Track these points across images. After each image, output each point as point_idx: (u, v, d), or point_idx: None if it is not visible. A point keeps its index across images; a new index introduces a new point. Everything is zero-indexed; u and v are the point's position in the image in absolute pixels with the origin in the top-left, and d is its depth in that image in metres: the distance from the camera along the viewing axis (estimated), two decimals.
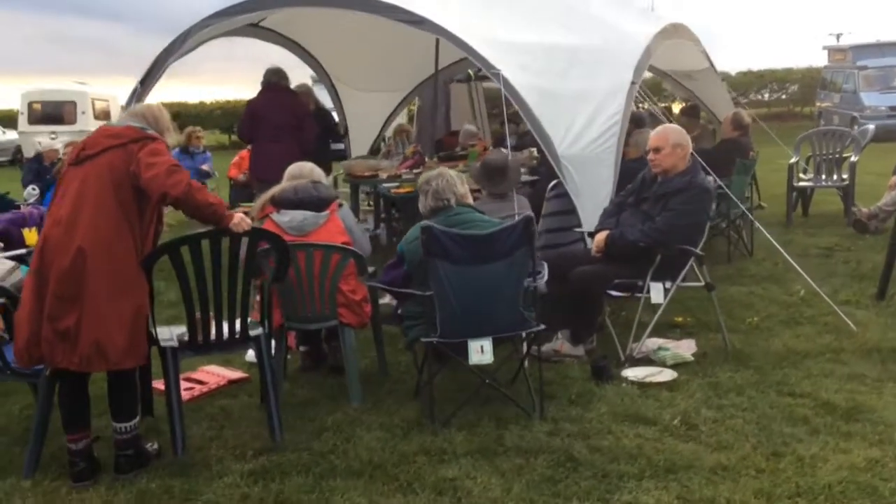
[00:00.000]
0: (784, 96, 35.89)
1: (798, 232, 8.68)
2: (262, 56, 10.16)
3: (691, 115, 10.25)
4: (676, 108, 13.93)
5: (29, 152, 21.82)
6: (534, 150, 7.43)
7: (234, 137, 29.65)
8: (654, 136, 5.02)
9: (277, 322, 4.38)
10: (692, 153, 5.06)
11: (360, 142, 11.50)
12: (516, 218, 5.03)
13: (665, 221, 4.77)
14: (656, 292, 4.81)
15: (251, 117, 8.13)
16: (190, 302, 3.75)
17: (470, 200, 4.28)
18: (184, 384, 4.69)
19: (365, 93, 11.18)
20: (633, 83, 6.31)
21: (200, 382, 4.77)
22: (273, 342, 4.39)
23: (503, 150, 6.27)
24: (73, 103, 27.00)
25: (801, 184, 9.41)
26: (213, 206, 3.60)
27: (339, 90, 11.26)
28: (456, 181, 4.16)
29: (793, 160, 9.35)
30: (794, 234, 8.51)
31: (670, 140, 4.95)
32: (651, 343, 4.94)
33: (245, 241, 3.68)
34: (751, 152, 8.07)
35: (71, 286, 3.46)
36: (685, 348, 4.95)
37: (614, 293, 4.96)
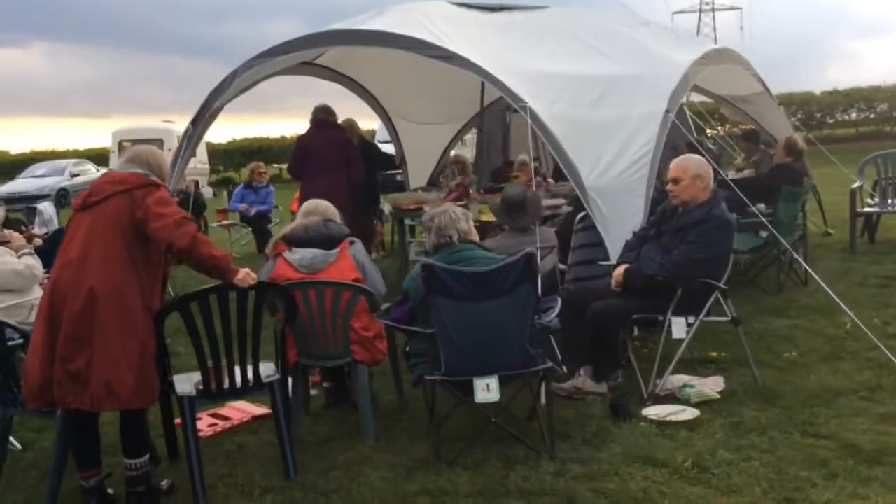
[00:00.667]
0: (872, 115, 34.67)
1: (862, 259, 8.33)
2: (343, 91, 10.45)
3: (751, 139, 10.00)
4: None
5: None
6: None
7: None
8: (674, 166, 4.91)
9: (293, 360, 4.44)
10: (730, 181, 4.90)
11: (419, 174, 11.66)
12: (537, 252, 5.08)
13: (682, 254, 4.65)
14: (678, 327, 4.68)
15: (301, 153, 8.35)
16: (202, 353, 3.84)
17: (475, 237, 4.26)
18: (208, 420, 4.84)
19: (421, 125, 11.33)
20: (667, 111, 6.20)
21: (225, 418, 4.86)
22: (291, 380, 4.47)
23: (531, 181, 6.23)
24: (161, 141, 28.14)
25: (866, 209, 9.02)
26: (216, 259, 3.69)
27: (396, 123, 11.45)
28: (460, 218, 4.16)
29: (856, 184, 8.98)
30: (856, 262, 8.18)
31: (689, 171, 4.84)
32: (676, 380, 4.80)
33: None
34: (805, 178, 7.81)
35: (83, 327, 3.58)
36: (711, 385, 4.78)
37: (636, 329, 4.85)
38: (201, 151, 31.52)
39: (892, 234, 9.31)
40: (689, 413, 4.44)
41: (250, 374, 3.94)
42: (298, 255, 4.34)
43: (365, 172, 8.64)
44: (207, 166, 30.34)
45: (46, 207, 11.70)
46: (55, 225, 11.08)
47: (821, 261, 8.35)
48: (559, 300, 4.60)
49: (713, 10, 70.48)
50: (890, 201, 9.06)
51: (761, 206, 7.21)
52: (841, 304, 5.33)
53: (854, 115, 34.24)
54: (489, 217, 7.43)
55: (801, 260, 6.07)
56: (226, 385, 3.91)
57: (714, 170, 8.88)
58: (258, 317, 3.86)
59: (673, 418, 4.39)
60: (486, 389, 3.98)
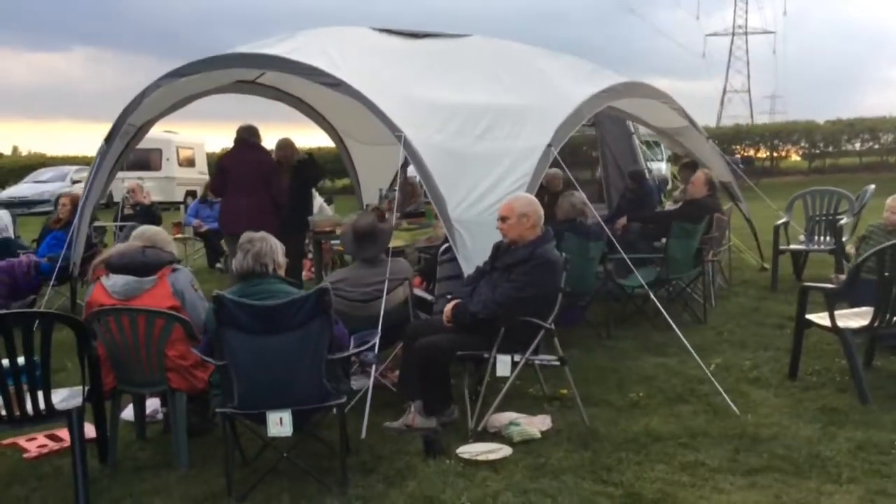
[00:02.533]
0: (877, 146, 34.40)
1: (779, 298, 8.25)
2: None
3: (689, 170, 9.97)
4: None
5: (118, 197, 23.13)
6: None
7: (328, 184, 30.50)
8: (503, 204, 4.94)
9: (110, 385, 4.47)
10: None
11: (372, 194, 11.69)
12: (386, 284, 5.10)
13: (503, 293, 4.66)
14: (502, 365, 4.66)
15: (220, 173, 8.43)
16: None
17: (282, 271, 4.27)
18: (40, 441, 4.88)
19: (370, 146, 11.36)
20: (549, 146, 6.21)
21: (59, 439, 4.90)
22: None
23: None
24: (160, 151, 28.48)
25: (787, 247, 8.93)
26: None
27: (347, 143, 11.50)
28: (277, 249, 4.18)
29: (781, 221, 8.91)
30: (770, 300, 8.11)
31: (516, 210, 4.85)
32: (504, 417, 4.78)
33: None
34: (716, 213, 7.76)
35: None
36: (538, 423, 4.76)
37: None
38: (201, 162, 31.91)
39: (822, 272, 9.20)
40: (503, 452, 4.42)
41: (42, 403, 3.96)
42: (111, 280, 4.38)
43: (290, 192, 8.73)
44: (207, 177, 30.61)
45: (2, 216, 11.85)
46: (9, 233, 11.24)
47: (736, 297, 8.31)
48: (378, 333, 4.61)
49: (746, 33, 70.41)
50: (818, 238, 8.97)
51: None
52: (688, 345, 5.30)
53: (858, 146, 33.99)
54: (395, 243, 7.48)
55: (654, 297, 6.00)
56: (16, 413, 3.94)
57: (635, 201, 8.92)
58: (46, 344, 3.89)
59: (483, 458, 4.37)
60: (280, 423, 3.99)
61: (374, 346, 4.52)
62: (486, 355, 4.66)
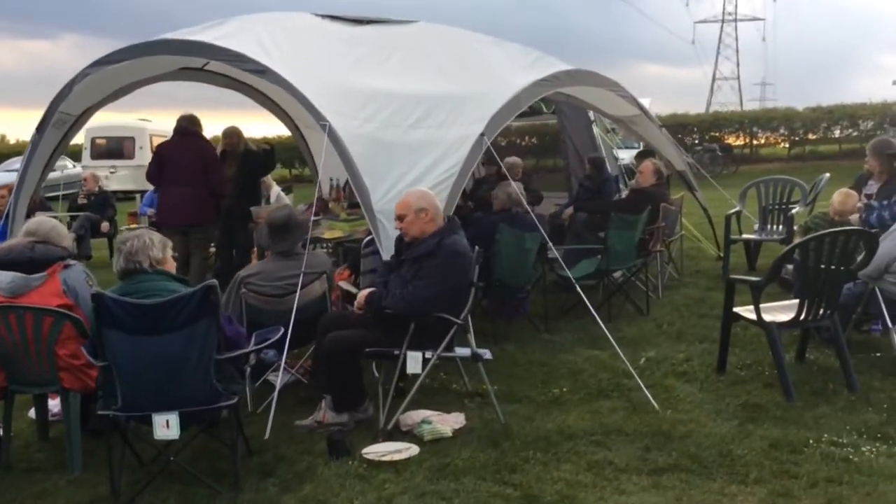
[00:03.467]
0: (856, 133, 34.28)
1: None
2: None
3: (645, 159, 9.83)
4: None
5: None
6: None
7: (294, 171, 30.18)
8: (398, 203, 4.81)
9: (1, 385, 4.31)
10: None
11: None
12: (300, 277, 4.94)
13: (412, 292, 4.51)
14: (413, 362, 4.50)
15: (157, 162, 8.23)
16: None
17: (170, 266, 4.10)
18: None
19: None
20: (481, 135, 6.04)
21: None
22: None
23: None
24: (133, 139, 28.08)
25: (737, 237, 8.80)
26: None
27: (305, 134, 11.29)
28: (154, 245, 3.99)
29: (732, 210, 8.78)
30: (716, 292, 7.93)
31: (412, 206, 4.71)
32: (416, 415, 4.63)
33: None
34: (662, 203, 7.62)
35: None
36: (452, 422, 4.61)
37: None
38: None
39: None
40: (410, 452, 4.28)
41: None
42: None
43: (236, 182, 8.57)
44: None
45: None
46: None
47: (685, 288, 8.18)
48: (281, 330, 4.44)
49: (735, 20, 70.17)
50: (770, 228, 8.85)
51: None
52: (612, 339, 5.16)
53: (838, 133, 33.90)
54: (332, 234, 7.32)
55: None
56: None
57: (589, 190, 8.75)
58: None
59: (389, 458, 4.22)
60: (166, 426, 3.83)
61: (274, 343, 4.35)
62: (396, 352, 4.50)
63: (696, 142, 31.06)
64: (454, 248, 4.59)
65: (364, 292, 4.68)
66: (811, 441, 4.15)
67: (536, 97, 6.98)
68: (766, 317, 4.96)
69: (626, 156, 24.72)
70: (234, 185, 8.73)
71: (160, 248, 4.02)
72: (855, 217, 6.43)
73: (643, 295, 7.31)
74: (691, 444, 4.22)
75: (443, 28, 8.25)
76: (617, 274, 7.57)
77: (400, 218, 4.73)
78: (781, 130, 33.79)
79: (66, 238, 4.57)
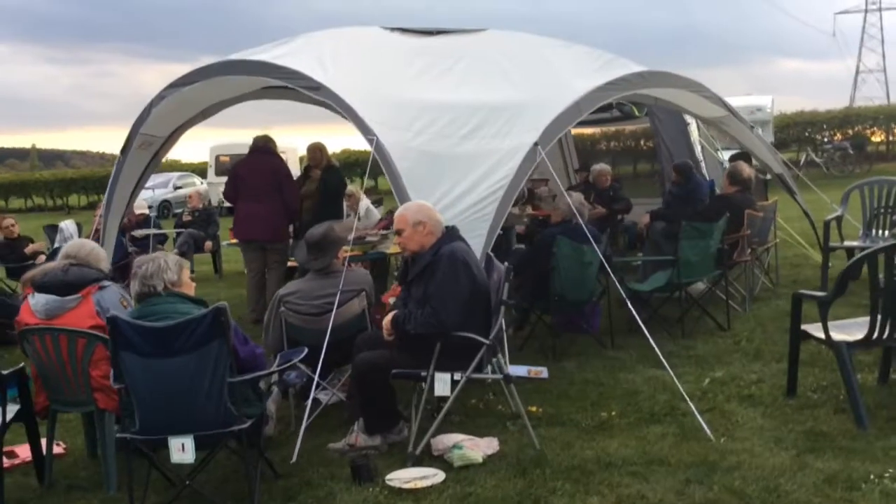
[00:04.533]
0: None
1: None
2: None
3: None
4: None
5: (215, 201, 23.83)
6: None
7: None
8: (396, 216, 4.66)
9: (43, 404, 4.43)
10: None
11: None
12: (336, 296, 4.87)
13: (432, 310, 4.32)
14: (441, 384, 4.33)
15: (233, 180, 8.40)
16: None
17: (188, 289, 4.08)
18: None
19: None
20: (535, 144, 5.81)
21: (14, 455, 4.89)
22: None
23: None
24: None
25: (837, 244, 8.12)
26: None
27: None
28: (170, 268, 3.99)
29: (832, 215, 8.13)
30: (810, 304, 7.36)
31: (409, 220, 4.55)
32: (449, 439, 4.45)
33: None
34: (747, 210, 7.13)
35: None
36: (484, 447, 4.40)
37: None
38: (293, 165, 32.45)
39: None
40: (435, 479, 4.10)
41: None
42: (34, 299, 4.31)
43: (317, 197, 8.71)
44: None
45: (68, 226, 12.27)
46: None
47: (776, 300, 7.62)
48: (305, 351, 4.36)
49: (880, 9, 66.12)
50: (876, 234, 8.14)
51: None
52: (662, 358, 4.82)
53: None
54: (395, 249, 7.24)
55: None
56: None
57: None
58: None
59: (412, 485, 4.06)
60: (182, 450, 3.81)
61: (312, 364, 4.27)
62: (423, 373, 4.34)
63: (826, 140, 29.38)
64: (452, 255, 4.39)
65: (388, 317, 4.55)
66: (872, 476, 3.71)
67: (600, 102, 6.65)
68: (836, 335, 4.51)
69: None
70: (315, 200, 8.83)
71: (175, 271, 4.01)
72: None
73: (726, 308, 6.85)
74: (738, 476, 3.85)
75: (511, 34, 8.07)
76: (701, 286, 7.16)
77: (398, 233, 4.60)
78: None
79: (104, 260, 4.65)
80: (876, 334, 4.39)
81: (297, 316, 4.98)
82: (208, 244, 12.43)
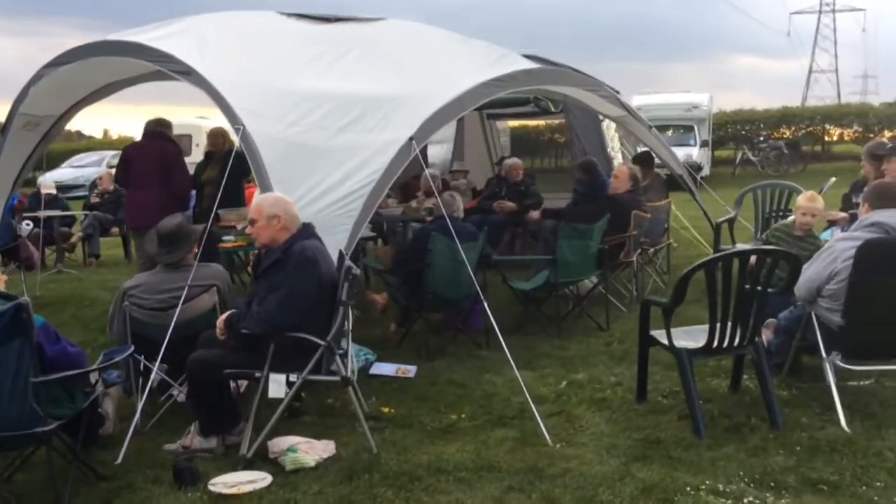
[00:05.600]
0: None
1: (694, 305, 7.51)
2: None
3: (643, 163, 9.32)
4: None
5: None
6: None
7: None
8: (252, 206, 4.53)
9: None
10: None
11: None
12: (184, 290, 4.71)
13: (266, 307, 4.20)
14: (276, 385, 4.21)
15: (122, 163, 8.18)
16: None
17: None
18: None
19: None
20: (410, 139, 5.70)
21: None
22: None
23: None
24: (189, 136, 28.59)
25: (728, 247, 8.16)
26: None
27: None
28: None
29: (725, 217, 8.18)
30: (696, 306, 7.36)
31: (264, 212, 4.44)
32: (284, 442, 4.33)
33: None
34: (635, 210, 7.12)
35: None
36: (320, 450, 4.29)
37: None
38: None
39: None
40: (261, 484, 3.98)
41: None
42: None
43: (218, 183, 8.46)
44: None
45: None
46: None
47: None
48: (131, 348, 4.22)
49: (833, 11, 67.12)
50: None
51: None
52: (512, 361, 4.76)
53: None
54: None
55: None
56: None
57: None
58: None
59: (236, 490, 3.94)
60: None
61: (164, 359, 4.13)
62: (257, 374, 4.22)
63: (762, 139, 29.82)
64: (302, 254, 4.27)
65: (223, 316, 4.42)
66: (688, 488, 3.68)
67: (485, 98, 6.56)
68: (681, 342, 4.49)
69: (682, 153, 23.84)
70: (215, 186, 8.61)
71: None
72: (831, 231, 5.86)
73: (612, 306, 6.85)
74: (560, 484, 3.80)
75: (409, 25, 7.93)
76: (589, 285, 7.14)
77: (251, 222, 4.47)
78: (855, 127, 32.19)
79: None
80: (716, 343, 4.38)
81: (141, 310, 4.81)
82: (115, 229, 12.13)
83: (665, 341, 4.53)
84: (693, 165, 22.28)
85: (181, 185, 8.03)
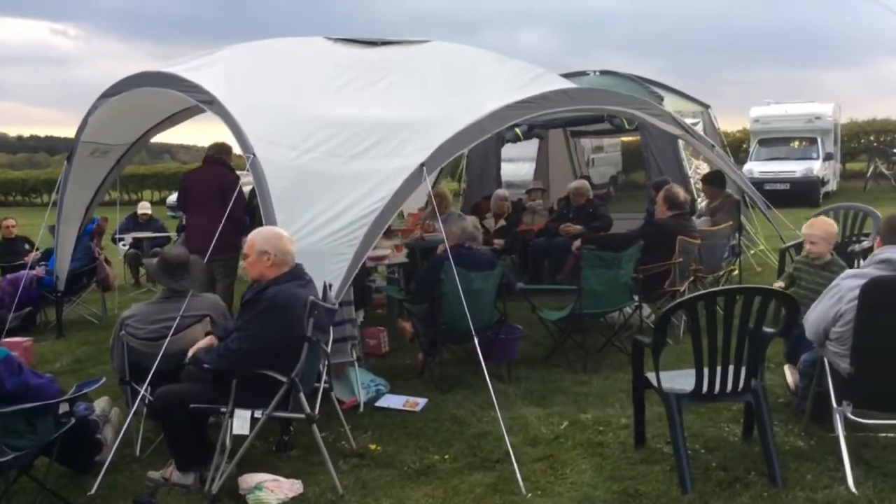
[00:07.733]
0: None
1: None
2: None
3: (712, 182, 8.84)
4: None
5: None
6: None
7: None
8: (247, 240, 4.47)
9: None
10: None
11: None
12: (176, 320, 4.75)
13: (228, 345, 4.15)
14: (240, 422, 4.14)
15: (182, 190, 8.42)
16: None
17: None
18: None
19: None
20: (421, 165, 5.56)
21: None
22: None
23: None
24: None
25: None
26: None
27: None
28: None
29: (791, 243, 7.57)
30: None
31: (255, 247, 4.36)
32: (252, 479, 4.26)
33: None
34: (680, 237, 6.69)
35: None
36: (286, 489, 4.20)
37: None
38: None
39: None
40: None
41: None
42: None
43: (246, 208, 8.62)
44: None
45: None
46: None
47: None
48: (101, 381, 4.25)
49: None
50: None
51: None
52: (494, 397, 4.51)
53: None
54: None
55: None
56: None
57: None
58: None
59: None
60: None
61: (82, 396, 4.16)
62: (223, 409, 4.17)
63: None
64: (273, 300, 4.17)
65: (191, 350, 4.41)
66: None
67: (511, 121, 6.36)
68: (672, 385, 4.13)
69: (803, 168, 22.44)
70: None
71: None
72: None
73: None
74: None
75: (452, 47, 7.83)
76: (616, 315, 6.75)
77: (244, 257, 4.44)
78: None
79: None
80: (705, 388, 4.00)
81: (136, 340, 4.88)
82: None
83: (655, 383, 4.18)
84: (811, 181, 21.04)
85: (235, 209, 8.17)
